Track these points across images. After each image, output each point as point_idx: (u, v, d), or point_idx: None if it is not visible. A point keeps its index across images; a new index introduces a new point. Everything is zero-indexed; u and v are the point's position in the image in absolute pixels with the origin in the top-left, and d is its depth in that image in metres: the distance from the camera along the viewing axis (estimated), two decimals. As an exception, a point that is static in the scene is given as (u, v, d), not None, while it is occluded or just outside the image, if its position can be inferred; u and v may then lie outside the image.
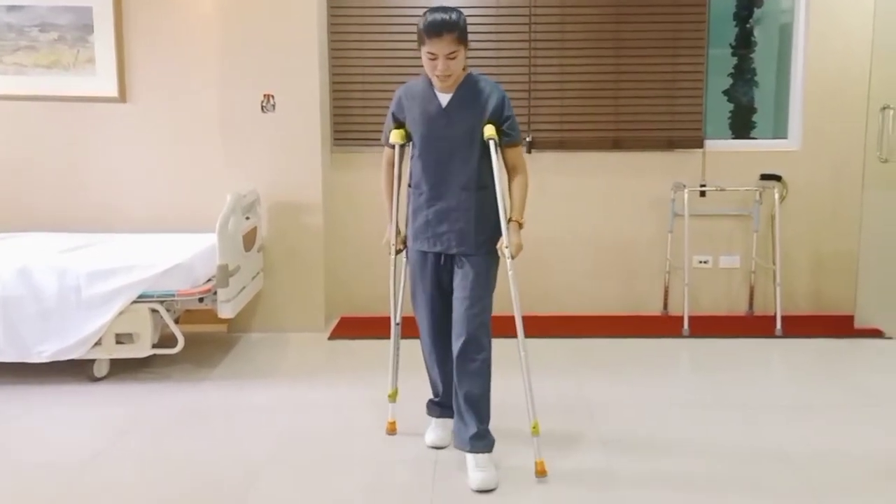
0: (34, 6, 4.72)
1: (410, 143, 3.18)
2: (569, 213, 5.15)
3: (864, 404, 3.78)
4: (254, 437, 3.46)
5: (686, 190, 4.96)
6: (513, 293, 3.06)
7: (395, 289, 3.32)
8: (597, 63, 5.03)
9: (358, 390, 3.94)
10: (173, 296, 4.02)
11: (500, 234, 3.04)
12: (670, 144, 5.10)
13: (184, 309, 4.45)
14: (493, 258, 3.10)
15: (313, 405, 3.80)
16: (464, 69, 3.03)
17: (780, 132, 5.27)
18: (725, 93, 5.42)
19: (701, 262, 5.20)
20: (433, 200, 3.09)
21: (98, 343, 3.97)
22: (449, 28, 2.87)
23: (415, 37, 3.01)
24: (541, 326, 4.81)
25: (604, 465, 3.15)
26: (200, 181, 4.83)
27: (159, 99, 4.82)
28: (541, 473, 3.02)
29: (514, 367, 3.12)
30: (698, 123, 5.08)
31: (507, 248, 3.02)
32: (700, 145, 5.10)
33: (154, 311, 4.01)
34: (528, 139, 4.98)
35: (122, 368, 4.17)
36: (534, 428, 3.04)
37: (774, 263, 5.01)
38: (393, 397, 3.44)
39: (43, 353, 3.95)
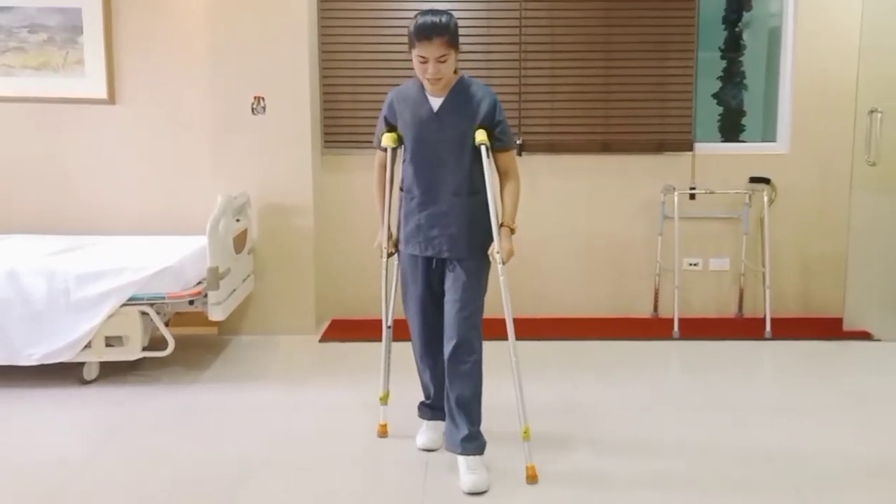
0: (23, 7, 4.70)
1: (402, 147, 3.18)
2: (559, 215, 5.16)
3: (852, 406, 3.81)
4: (245, 439, 3.45)
5: (676, 193, 4.98)
6: (504, 298, 3.06)
7: (386, 292, 3.32)
8: (587, 66, 5.04)
9: (349, 393, 3.94)
10: (163, 298, 4.01)
11: (491, 238, 3.04)
12: (660, 147, 5.12)
13: (174, 311, 4.44)
14: (484, 262, 3.10)
15: (304, 407, 3.80)
16: (455, 72, 3.04)
17: (768, 135, 5.30)
18: (715, 96, 5.45)
19: (691, 264, 5.22)
20: (425, 205, 3.09)
21: (88, 346, 3.96)
22: (439, 31, 2.88)
23: (405, 39, 3.01)
24: (531, 329, 4.82)
25: (594, 467, 3.16)
26: (190, 183, 4.82)
27: (149, 101, 4.80)
28: (532, 479, 3.02)
29: (505, 369, 3.13)
30: (688, 126, 5.10)
31: (497, 253, 3.02)
32: (689, 148, 5.12)
33: (144, 313, 4.00)
34: (518, 142, 4.99)
35: (112, 371, 4.15)
36: (525, 433, 3.05)
37: (764, 266, 5.03)
38: (384, 400, 3.44)
39: (32, 356, 3.93)
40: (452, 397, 3.07)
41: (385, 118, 3.17)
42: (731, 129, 5.48)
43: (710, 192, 5.07)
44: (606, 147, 5.12)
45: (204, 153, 4.81)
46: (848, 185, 4.86)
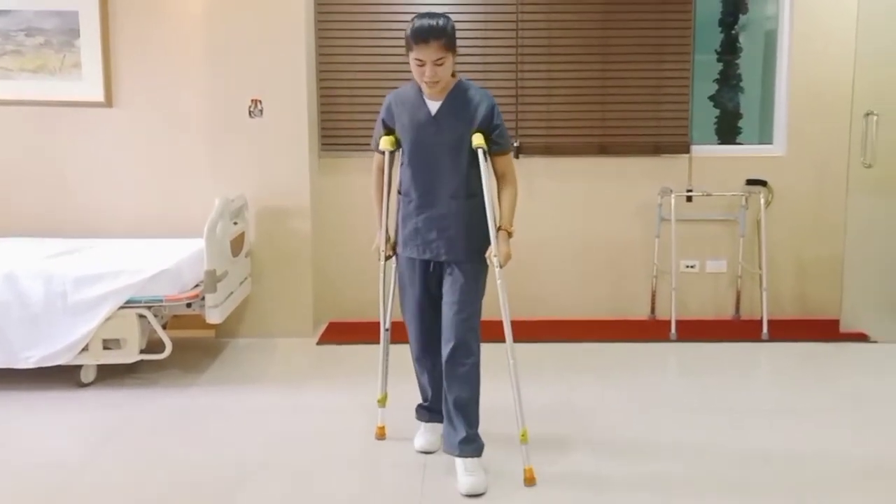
0: (20, 11, 4.70)
1: (400, 150, 3.18)
2: (556, 218, 5.17)
3: (849, 407, 3.81)
4: (242, 442, 3.45)
5: (673, 195, 4.99)
6: (501, 301, 3.06)
7: (384, 294, 3.32)
8: (583, 69, 5.05)
9: (346, 395, 3.94)
10: (161, 301, 4.01)
11: (489, 241, 3.05)
12: (657, 150, 5.13)
13: (171, 314, 4.45)
14: (482, 265, 3.11)
15: (302, 410, 3.80)
16: (453, 75, 3.05)
17: (765, 138, 5.31)
18: (711, 98, 5.46)
19: (688, 266, 5.22)
20: (423, 208, 3.09)
21: (85, 349, 3.95)
22: (436, 34, 2.88)
23: (402, 42, 3.02)
24: (529, 331, 4.82)
25: (592, 469, 3.16)
26: (188, 186, 4.82)
27: (146, 104, 4.81)
28: (529, 481, 3.02)
29: (502, 372, 3.13)
30: (684, 129, 5.11)
31: (495, 256, 3.02)
32: (686, 151, 5.13)
33: (141, 316, 4.00)
34: (515, 145, 4.99)
35: (110, 374, 4.15)
36: (522, 436, 3.05)
37: (760, 268, 5.04)
38: (382, 402, 3.44)
39: (30, 358, 3.93)
40: (450, 400, 3.08)
41: (383, 121, 3.18)
42: (727, 131, 5.49)
43: (707, 195, 5.08)
44: (603, 149, 5.13)
45: (201, 156, 4.82)
46: (844, 188, 4.87)
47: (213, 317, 4.15)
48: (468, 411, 3.08)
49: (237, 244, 4.51)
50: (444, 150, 3.04)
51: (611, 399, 3.92)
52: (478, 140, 3.01)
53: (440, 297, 3.12)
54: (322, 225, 5.07)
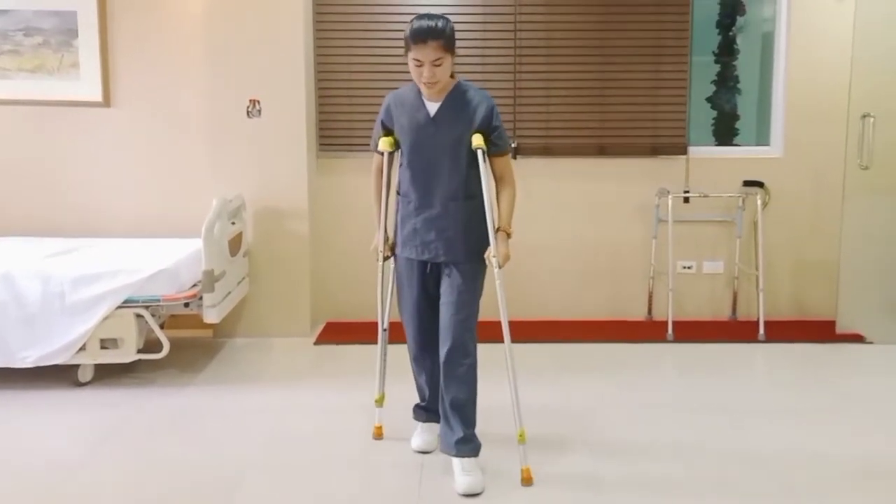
0: (19, 10, 4.70)
1: (399, 151, 3.19)
2: (554, 218, 5.18)
3: (845, 408, 3.82)
4: (239, 441, 3.46)
5: (670, 196, 5.00)
6: (500, 302, 3.07)
7: (382, 295, 3.33)
8: (581, 70, 5.06)
9: (344, 395, 3.94)
10: (158, 301, 4.01)
11: (487, 242, 3.05)
12: (654, 151, 5.14)
13: (169, 314, 4.45)
14: (480, 265, 3.11)
15: (299, 409, 3.80)
16: (452, 77, 3.05)
17: (762, 139, 5.32)
18: (709, 100, 5.47)
19: (685, 267, 5.24)
20: (421, 209, 3.10)
21: (83, 348, 3.95)
22: (435, 35, 2.89)
23: (400, 43, 3.03)
24: (526, 331, 4.83)
25: (590, 469, 3.17)
26: (186, 186, 4.82)
27: (144, 104, 4.81)
28: (527, 481, 3.03)
29: (500, 372, 3.14)
30: (682, 130, 5.12)
31: (494, 257, 3.03)
32: (684, 152, 5.14)
33: (139, 316, 4.00)
34: (513, 145, 5.00)
35: (107, 373, 4.15)
36: (520, 436, 3.06)
37: (757, 269, 5.05)
38: (380, 402, 3.45)
39: (27, 358, 3.93)
40: (447, 400, 3.08)
41: (382, 122, 3.18)
42: (724, 132, 5.50)
43: (704, 196, 5.09)
44: (601, 151, 5.14)
45: (199, 156, 4.82)
46: (841, 189, 4.88)
47: (211, 316, 4.16)
48: (465, 412, 3.08)
49: (235, 244, 4.51)
50: (443, 152, 3.05)
51: (608, 399, 3.93)
52: (477, 141, 3.02)
53: (438, 298, 3.12)
54: (320, 225, 5.07)
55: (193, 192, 4.78)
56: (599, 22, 5.03)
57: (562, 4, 5.00)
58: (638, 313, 5.28)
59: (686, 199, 5.12)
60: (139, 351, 4.04)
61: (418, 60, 2.92)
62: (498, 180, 3.15)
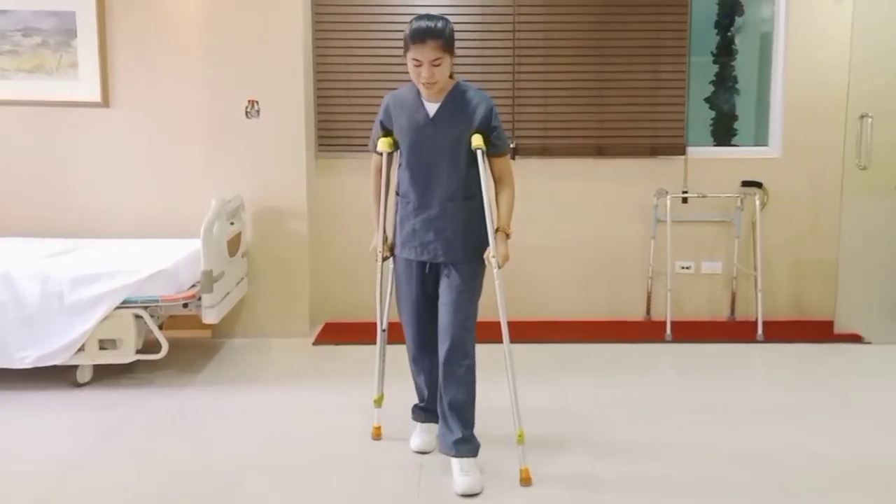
0: (17, 11, 4.70)
1: (398, 151, 3.19)
2: (552, 219, 5.18)
3: (843, 408, 3.83)
4: (238, 441, 3.46)
5: (668, 196, 5.01)
6: (499, 302, 3.08)
7: (381, 295, 3.33)
8: (580, 71, 5.07)
9: (343, 395, 3.94)
10: (157, 301, 4.01)
11: (486, 243, 3.06)
12: (653, 151, 5.14)
13: (168, 314, 4.45)
14: (479, 266, 3.11)
15: (298, 410, 3.80)
16: (451, 77, 3.05)
17: (760, 139, 5.33)
18: (707, 100, 5.47)
19: (683, 267, 5.24)
20: (420, 209, 3.10)
21: (81, 349, 3.95)
22: (434, 35, 2.89)
23: (398, 43, 3.03)
24: (525, 331, 4.83)
25: (588, 469, 3.17)
26: (185, 186, 4.82)
27: (143, 104, 4.80)
28: (525, 481, 3.03)
29: (499, 372, 3.14)
30: (680, 130, 5.12)
31: (494, 257, 3.03)
32: (682, 152, 5.14)
33: (138, 316, 4.00)
34: (512, 146, 4.99)
35: (106, 374, 4.15)
36: (519, 437, 3.06)
37: (756, 269, 5.06)
38: (378, 402, 3.45)
39: (25, 358, 3.93)
40: (446, 400, 3.08)
41: (381, 123, 3.18)
42: (723, 133, 5.51)
43: (703, 196, 5.09)
44: (600, 151, 5.14)
45: (198, 156, 4.82)
46: (839, 189, 4.89)
47: (210, 317, 4.16)
48: (464, 412, 3.08)
49: (234, 244, 4.51)
50: (442, 152, 3.05)
51: (607, 400, 3.93)
52: (477, 141, 3.02)
53: (437, 299, 3.13)
54: (318, 225, 5.07)
55: (192, 193, 4.78)
56: (598, 22, 5.03)
57: (560, 5, 5.01)
58: (636, 313, 5.28)
59: (684, 200, 5.13)
60: (138, 351, 4.04)
61: (417, 60, 2.92)
62: (497, 181, 3.15)
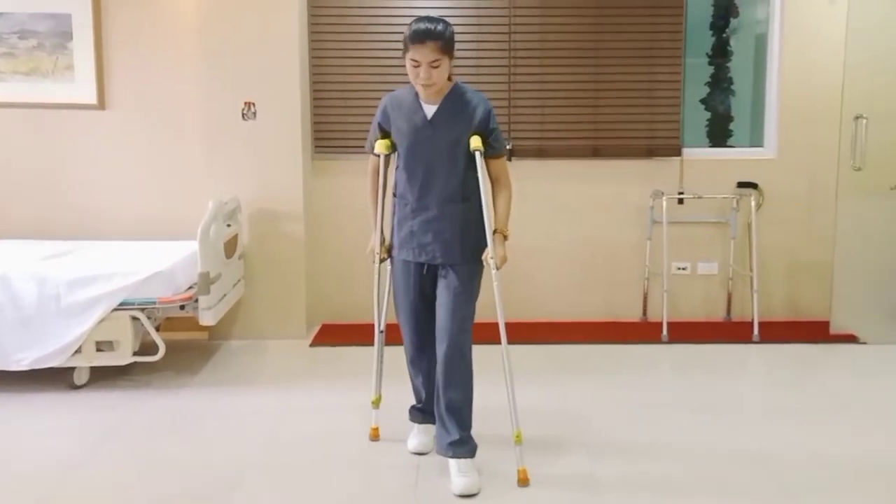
0: (13, 13, 4.70)
1: (396, 153, 3.20)
2: (549, 220, 5.19)
3: (839, 408, 3.84)
4: (235, 443, 3.46)
5: (664, 197, 5.02)
6: (497, 304, 3.08)
7: (378, 296, 3.33)
8: (576, 72, 5.08)
9: (341, 396, 3.95)
10: (154, 303, 4.01)
11: (484, 244, 3.06)
12: (649, 152, 5.16)
13: (165, 316, 4.45)
14: (477, 267, 3.12)
15: (296, 411, 3.80)
16: (450, 79, 3.06)
17: (756, 140, 5.35)
18: (702, 102, 5.49)
19: (679, 268, 5.25)
20: (418, 211, 3.10)
21: (78, 351, 3.95)
22: (433, 36, 2.89)
23: (395, 45, 3.04)
24: (522, 332, 4.83)
25: (586, 470, 3.18)
26: (181, 188, 4.82)
27: (139, 106, 4.81)
28: (523, 482, 3.04)
29: (497, 373, 3.14)
30: (676, 132, 5.14)
31: (492, 259, 3.04)
32: (678, 153, 5.16)
33: (135, 318, 4.00)
34: (508, 147, 5.00)
35: (103, 376, 4.15)
36: (517, 437, 3.06)
37: (751, 270, 5.07)
38: (376, 403, 3.45)
39: (22, 361, 3.92)
40: (443, 401, 3.08)
41: (379, 124, 3.19)
42: (718, 134, 5.53)
43: (699, 197, 5.11)
44: (596, 152, 5.15)
45: (195, 158, 4.82)
46: (834, 190, 4.91)
47: (207, 319, 4.16)
48: (461, 413, 3.09)
49: (230, 246, 4.51)
50: (440, 154, 3.05)
51: (604, 400, 3.94)
52: (476, 142, 3.02)
53: (434, 300, 3.13)
54: (315, 227, 5.07)
55: (189, 195, 4.78)
56: (593, 24, 5.05)
57: (556, 7, 5.02)
58: (633, 314, 5.29)
59: (680, 201, 5.14)
60: (135, 353, 4.03)
61: (416, 61, 2.92)
62: (494, 182, 3.15)
